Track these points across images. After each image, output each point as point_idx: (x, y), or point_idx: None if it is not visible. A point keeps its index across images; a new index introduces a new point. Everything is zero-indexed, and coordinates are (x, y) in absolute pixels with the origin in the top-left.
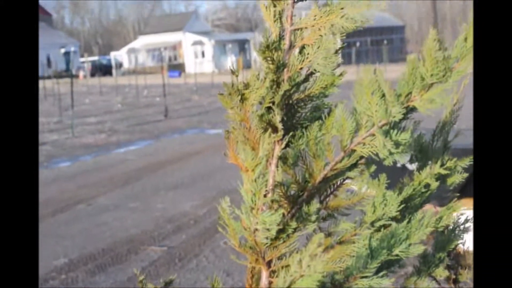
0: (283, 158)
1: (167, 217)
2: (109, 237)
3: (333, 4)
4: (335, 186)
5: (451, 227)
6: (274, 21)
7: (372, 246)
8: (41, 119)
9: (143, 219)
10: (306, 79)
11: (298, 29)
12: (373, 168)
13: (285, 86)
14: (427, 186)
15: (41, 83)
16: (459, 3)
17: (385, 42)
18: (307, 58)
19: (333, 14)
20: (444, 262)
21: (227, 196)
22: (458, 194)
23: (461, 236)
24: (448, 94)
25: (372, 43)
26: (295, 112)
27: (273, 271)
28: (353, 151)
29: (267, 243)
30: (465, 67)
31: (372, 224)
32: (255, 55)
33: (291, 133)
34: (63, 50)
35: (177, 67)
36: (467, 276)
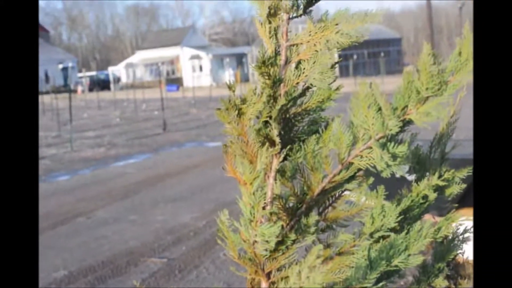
0: (281, 171)
1: (167, 229)
2: (109, 250)
3: (327, 20)
4: (334, 198)
5: (450, 238)
6: (270, 37)
7: (371, 257)
8: (40, 134)
9: (142, 232)
10: (302, 94)
11: (293, 45)
12: (371, 180)
13: (282, 101)
14: (426, 197)
15: (39, 99)
16: (455, 16)
17: (382, 54)
18: (303, 73)
19: (328, 30)
20: (443, 272)
21: (226, 209)
22: (456, 205)
23: (460, 246)
24: (444, 107)
25: (369, 56)
26: (292, 126)
27: (273, 283)
28: (351, 163)
29: (266, 255)
30: (461, 81)
31: (371, 235)
32: (252, 69)
33: (288, 147)
34: (61, 66)
35: (175, 81)
36: (466, 286)
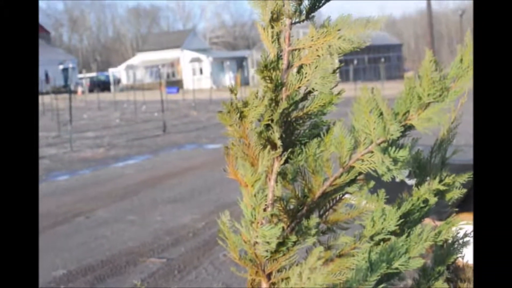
0: (282, 174)
1: (166, 230)
2: (108, 250)
3: (330, 25)
4: (334, 201)
5: (450, 241)
6: (272, 42)
7: (372, 259)
8: (40, 134)
9: (141, 232)
10: (304, 98)
11: (296, 50)
12: (372, 183)
13: (283, 105)
14: (426, 201)
15: (40, 99)
16: (456, 22)
17: (383, 60)
18: (305, 77)
19: (330, 36)
20: (443, 275)
21: (227, 210)
22: (456, 209)
23: (460, 250)
24: (445, 113)
25: (369, 61)
26: (294, 129)
27: (273, 284)
28: (352, 167)
29: (267, 256)
30: (462, 87)
31: (371, 238)
32: (252, 72)
33: (290, 150)
34: (61, 67)
35: (175, 84)
36: None
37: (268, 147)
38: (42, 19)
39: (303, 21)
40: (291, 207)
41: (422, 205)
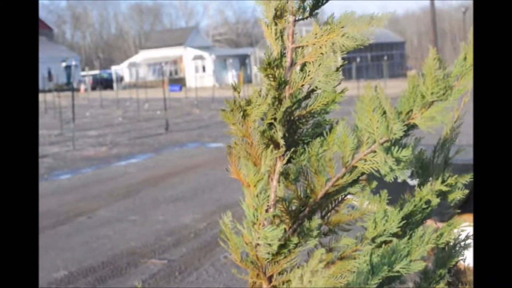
0: (284, 174)
1: (168, 230)
2: (109, 250)
3: (333, 22)
4: (337, 201)
5: (452, 244)
6: (276, 39)
7: (373, 262)
8: (42, 132)
9: (143, 232)
10: (307, 96)
11: (299, 47)
12: (374, 184)
13: (286, 103)
14: (428, 202)
15: (42, 97)
16: (459, 20)
17: (386, 57)
18: (308, 75)
19: (333, 33)
20: (444, 278)
21: (228, 211)
22: (459, 211)
23: (462, 253)
24: (449, 112)
25: (372, 59)
26: (297, 128)
27: (274, 286)
28: (355, 167)
29: (268, 258)
30: (465, 86)
31: (373, 240)
32: (255, 70)
33: (292, 149)
34: (64, 64)
35: (178, 81)
36: None
37: (271, 146)
38: (45, 16)
39: (306, 18)
40: (293, 208)
41: (424, 206)
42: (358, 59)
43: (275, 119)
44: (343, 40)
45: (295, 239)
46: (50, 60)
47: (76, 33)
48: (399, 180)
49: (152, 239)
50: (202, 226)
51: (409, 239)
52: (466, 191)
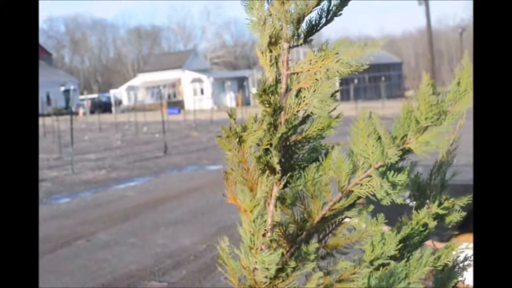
0: (281, 199)
1: (167, 252)
2: (109, 273)
3: (328, 48)
4: (334, 225)
5: (450, 265)
6: (270, 66)
7: (371, 284)
8: (41, 156)
9: (143, 255)
10: (303, 121)
11: (294, 73)
12: (371, 207)
13: (282, 129)
14: (425, 225)
15: (41, 120)
16: (456, 40)
17: (383, 78)
18: (303, 101)
19: (328, 59)
20: None
21: (226, 235)
22: (456, 232)
23: (461, 274)
24: (444, 136)
25: (370, 80)
26: (293, 153)
27: None
28: (351, 191)
29: (266, 282)
30: (460, 110)
31: (371, 262)
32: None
33: (289, 174)
34: (62, 88)
35: (176, 104)
36: None
37: (267, 171)
38: (44, 41)
39: (301, 45)
40: (290, 232)
41: (421, 229)
42: (356, 81)
43: (271, 144)
44: (337, 66)
45: (292, 263)
46: (49, 85)
47: (75, 58)
48: (398, 202)
49: (152, 262)
50: (201, 248)
51: (407, 261)
52: (464, 213)
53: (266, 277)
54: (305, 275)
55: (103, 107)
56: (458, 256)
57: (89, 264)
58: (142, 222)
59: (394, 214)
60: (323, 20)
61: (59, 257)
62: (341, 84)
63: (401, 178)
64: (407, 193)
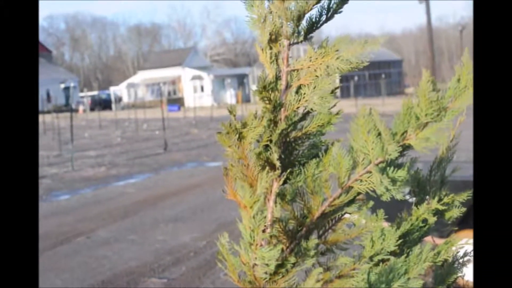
0: (281, 195)
1: (167, 249)
2: (109, 270)
3: (328, 45)
4: (334, 221)
5: (450, 261)
6: (271, 63)
7: (371, 280)
8: (41, 153)
9: (142, 252)
10: (303, 118)
11: (294, 70)
12: (371, 203)
13: (282, 125)
14: (425, 221)
15: (41, 118)
16: (456, 38)
17: (383, 76)
18: (303, 97)
19: (328, 56)
20: None
21: (226, 230)
22: (456, 228)
23: (461, 270)
24: (444, 132)
25: (370, 77)
26: (293, 149)
27: None
28: (351, 187)
29: (266, 278)
30: (460, 107)
31: (370, 258)
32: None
33: (289, 170)
34: (62, 86)
35: (176, 101)
36: None
37: (267, 168)
38: (44, 38)
39: (301, 42)
40: (290, 228)
41: (421, 224)
42: (356, 78)
43: (271, 141)
44: (337, 63)
45: (292, 259)
46: (49, 82)
47: (75, 55)
48: (397, 198)
49: (152, 259)
50: (201, 245)
51: (406, 257)
52: (463, 209)
53: (266, 273)
54: (305, 271)
55: (103, 104)
56: (457, 252)
57: (89, 261)
58: (142, 219)
59: (393, 210)
60: (323, 18)
61: (59, 254)
62: (341, 81)
63: (401, 174)
64: (407, 189)
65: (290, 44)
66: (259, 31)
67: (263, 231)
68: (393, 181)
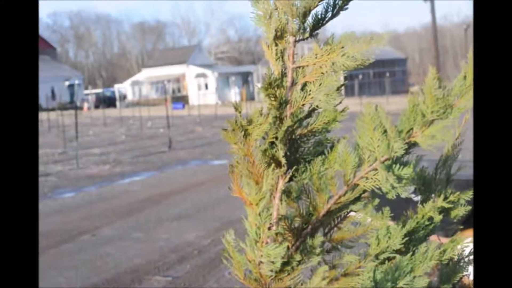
0: (287, 192)
1: (172, 247)
2: (113, 268)
3: (334, 42)
4: (339, 219)
5: (456, 259)
6: (276, 59)
7: (377, 278)
8: (46, 150)
9: (147, 249)
10: (308, 115)
11: (300, 67)
12: (377, 201)
13: (288, 122)
14: (431, 219)
15: (45, 115)
16: (461, 37)
17: (388, 74)
18: (309, 94)
19: (334, 53)
20: None
21: (231, 228)
22: (462, 227)
23: (466, 268)
24: (449, 130)
25: (374, 76)
26: (298, 146)
27: None
28: (356, 185)
29: (271, 276)
30: (466, 104)
31: (376, 256)
32: (258, 87)
33: (294, 168)
34: (67, 83)
35: (180, 99)
36: None
37: (273, 165)
38: (48, 35)
39: (306, 38)
40: (296, 225)
41: (427, 223)
42: (360, 76)
43: (276, 138)
44: (343, 60)
45: (298, 257)
46: (54, 79)
47: (79, 52)
48: (403, 196)
49: (156, 257)
50: (206, 243)
51: (412, 255)
52: (469, 208)
53: (271, 270)
54: (311, 268)
55: (107, 101)
56: (463, 251)
57: (93, 259)
58: (146, 217)
59: (398, 209)
60: (329, 14)
61: (63, 252)
62: (345, 79)
63: (407, 171)
64: (412, 188)
65: (295, 41)
66: (264, 28)
67: (269, 228)
68: (399, 178)
